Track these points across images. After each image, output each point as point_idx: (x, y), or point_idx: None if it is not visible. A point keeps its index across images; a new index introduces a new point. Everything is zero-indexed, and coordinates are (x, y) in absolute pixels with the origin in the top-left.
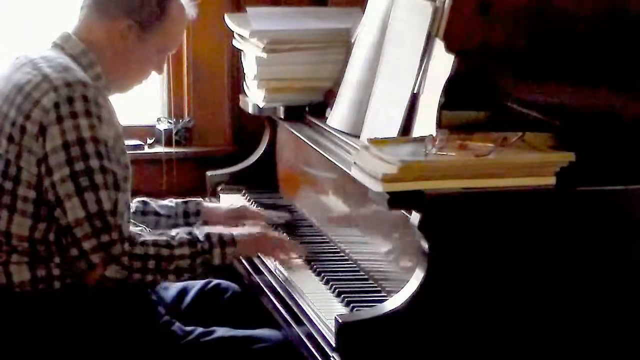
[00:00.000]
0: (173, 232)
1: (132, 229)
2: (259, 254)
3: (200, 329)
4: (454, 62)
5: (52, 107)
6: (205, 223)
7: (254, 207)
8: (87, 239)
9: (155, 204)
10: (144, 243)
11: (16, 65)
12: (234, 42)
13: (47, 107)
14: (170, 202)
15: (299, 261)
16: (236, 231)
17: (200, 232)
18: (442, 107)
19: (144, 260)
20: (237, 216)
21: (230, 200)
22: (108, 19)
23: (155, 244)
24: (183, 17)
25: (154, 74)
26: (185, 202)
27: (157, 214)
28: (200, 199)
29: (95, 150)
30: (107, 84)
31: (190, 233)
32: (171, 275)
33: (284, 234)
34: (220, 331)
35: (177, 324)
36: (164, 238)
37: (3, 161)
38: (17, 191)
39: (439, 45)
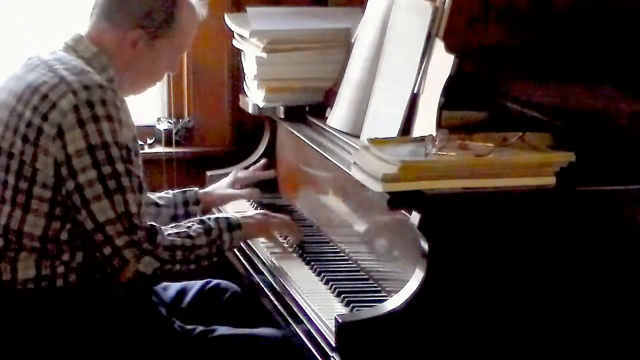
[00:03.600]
0: (187, 223)
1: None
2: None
3: (201, 328)
4: (454, 62)
5: (70, 110)
6: (204, 209)
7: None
8: (120, 236)
9: (153, 196)
10: (170, 235)
11: (29, 66)
12: (234, 42)
13: (66, 110)
14: (166, 193)
15: (299, 259)
16: (241, 214)
17: (208, 218)
18: (442, 107)
19: (173, 251)
20: (233, 182)
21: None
22: (117, 27)
23: (178, 235)
24: (193, 19)
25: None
26: (184, 192)
27: (156, 204)
28: (195, 188)
29: (119, 155)
30: (119, 86)
31: (202, 222)
32: (193, 264)
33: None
34: (221, 330)
35: (178, 322)
36: (183, 230)
37: (17, 161)
38: (32, 191)
39: (439, 45)
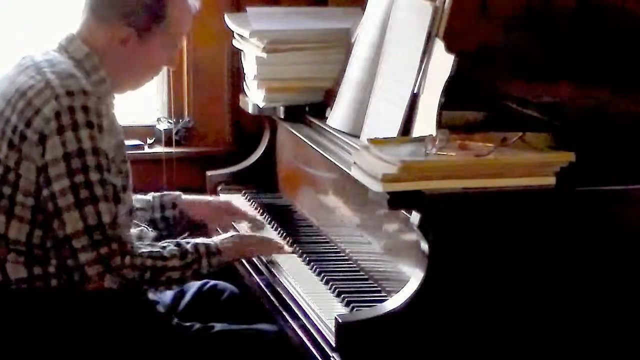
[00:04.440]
0: (163, 243)
1: (133, 231)
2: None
3: (198, 324)
4: (454, 62)
5: (53, 117)
6: (188, 216)
7: (236, 205)
8: (84, 251)
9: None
10: (141, 255)
11: (21, 67)
12: (234, 42)
13: (48, 116)
14: (148, 196)
15: (299, 259)
16: (219, 239)
17: (187, 242)
18: (442, 107)
19: (142, 271)
20: (221, 208)
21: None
22: (107, 24)
23: (150, 256)
24: (185, 11)
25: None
26: (162, 195)
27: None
28: (180, 192)
29: (95, 163)
30: (115, 84)
31: (178, 244)
32: (162, 286)
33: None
34: (220, 326)
35: (176, 319)
36: (157, 250)
37: (2, 167)
38: (15, 197)
39: (439, 45)
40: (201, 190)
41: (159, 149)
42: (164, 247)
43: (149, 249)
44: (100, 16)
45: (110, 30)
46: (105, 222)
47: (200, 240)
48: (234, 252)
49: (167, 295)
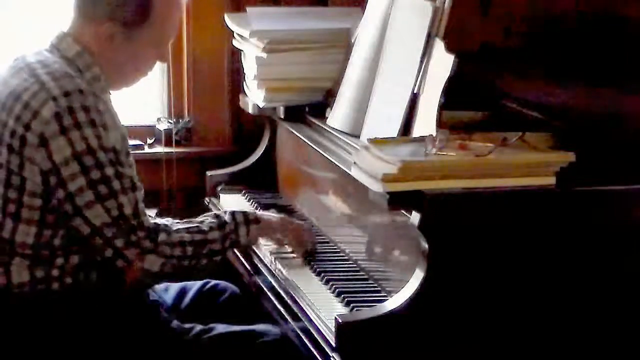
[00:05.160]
0: (201, 217)
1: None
2: (279, 239)
3: (199, 326)
4: (454, 62)
5: (52, 118)
6: None
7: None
8: (117, 238)
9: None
10: (178, 231)
11: (13, 69)
12: (234, 42)
13: (47, 118)
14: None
15: (299, 259)
16: (259, 212)
17: (224, 212)
18: (442, 107)
19: (183, 246)
20: None
21: (231, 201)
22: (93, 22)
23: (188, 231)
24: (172, 6)
25: (159, 64)
26: None
27: None
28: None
29: (107, 159)
30: (109, 82)
31: (217, 216)
32: (204, 259)
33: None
34: (219, 328)
35: (176, 321)
36: (194, 225)
37: (5, 170)
38: (22, 200)
39: (439, 45)
40: (201, 190)
41: (159, 149)
42: (202, 221)
43: (186, 225)
44: (86, 14)
45: (97, 28)
46: (127, 214)
47: (238, 209)
48: (274, 227)
49: (169, 295)
